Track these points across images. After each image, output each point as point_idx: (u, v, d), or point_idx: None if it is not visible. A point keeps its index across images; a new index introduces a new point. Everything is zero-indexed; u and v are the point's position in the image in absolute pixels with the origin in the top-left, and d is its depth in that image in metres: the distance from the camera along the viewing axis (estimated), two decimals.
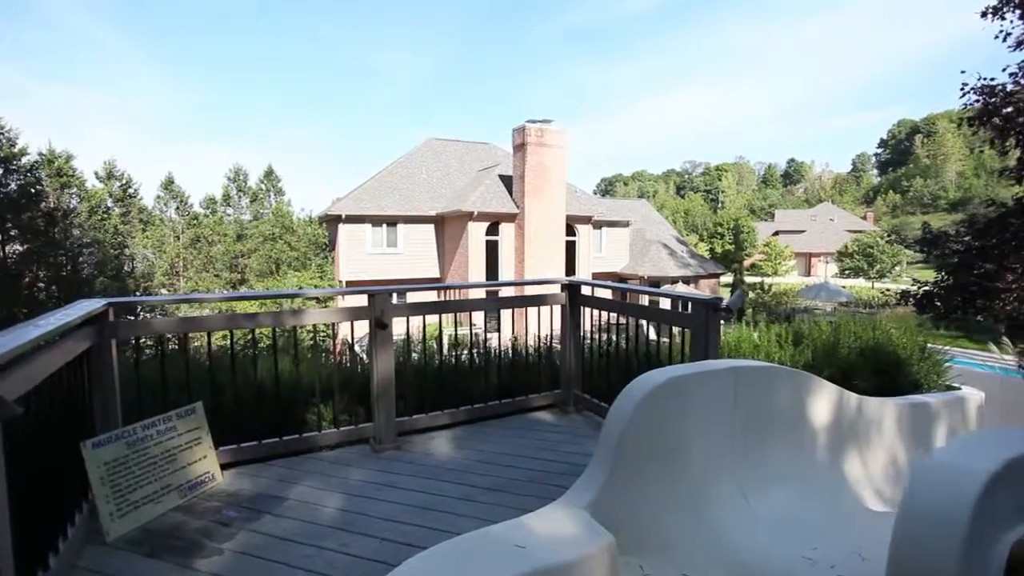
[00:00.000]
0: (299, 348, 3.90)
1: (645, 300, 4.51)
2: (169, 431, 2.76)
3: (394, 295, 3.50)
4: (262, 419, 3.36)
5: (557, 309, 4.31)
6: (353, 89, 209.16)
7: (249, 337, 3.40)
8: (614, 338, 4.24)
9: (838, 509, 2.91)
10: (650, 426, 2.33)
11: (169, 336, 3.70)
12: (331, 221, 23.50)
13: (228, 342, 3.36)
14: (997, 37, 9.43)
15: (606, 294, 4.30)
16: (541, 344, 4.44)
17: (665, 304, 5.83)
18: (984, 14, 9.36)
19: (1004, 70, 8.71)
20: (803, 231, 61.73)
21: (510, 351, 4.61)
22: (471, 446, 3.60)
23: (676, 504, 2.38)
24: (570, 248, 23.65)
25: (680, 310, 3.62)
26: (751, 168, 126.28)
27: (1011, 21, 9.19)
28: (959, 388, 4.84)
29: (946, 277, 10.44)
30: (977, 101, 8.86)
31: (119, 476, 2.46)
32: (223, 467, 3.12)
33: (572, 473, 3.22)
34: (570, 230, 23.59)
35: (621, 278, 28.00)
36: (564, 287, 4.21)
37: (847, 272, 44.60)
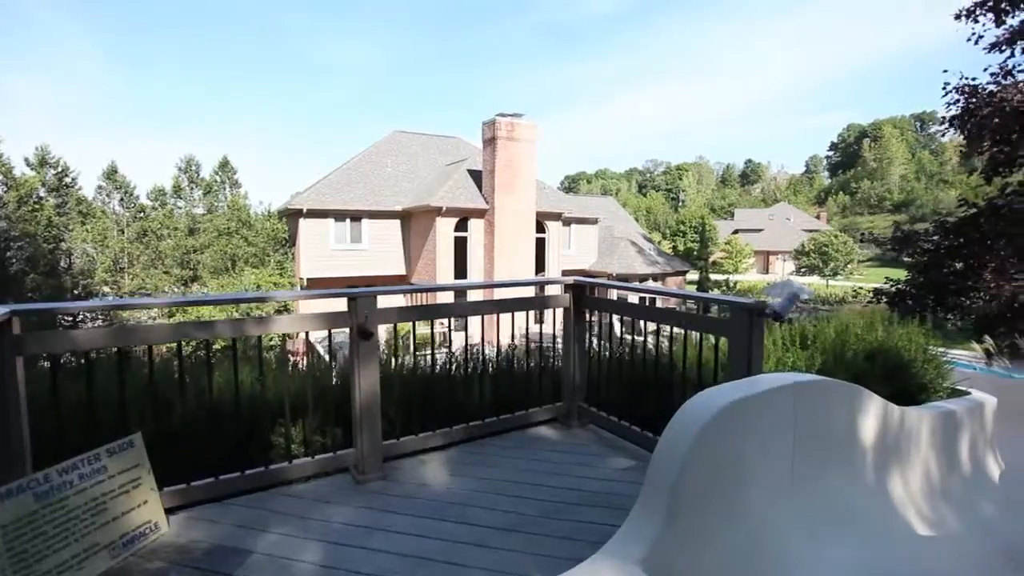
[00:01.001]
0: (264, 357, 3.35)
1: (658, 301, 4.11)
2: (96, 473, 2.17)
3: (379, 298, 2.98)
4: (219, 448, 2.78)
5: (559, 312, 3.86)
6: (312, 82, 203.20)
7: (202, 347, 2.82)
8: (632, 344, 3.84)
9: (895, 542, 2.60)
10: (710, 460, 1.92)
11: (98, 351, 3.04)
12: (291, 215, 22.41)
13: (177, 353, 2.76)
14: (970, 40, 9.55)
15: (620, 295, 3.87)
16: (539, 350, 3.98)
17: (664, 308, 5.45)
18: (958, 16, 9.46)
19: (986, 70, 8.80)
20: (761, 230, 63.49)
21: (505, 358, 4.15)
22: (470, 472, 3.12)
23: (740, 553, 1.98)
24: (540, 245, 23.30)
25: (697, 311, 3.22)
26: (710, 168, 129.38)
27: (983, 24, 9.32)
28: (969, 392, 4.66)
29: (917, 276, 10.57)
30: (957, 101, 8.93)
31: (24, 541, 1.87)
32: (170, 512, 2.53)
33: (592, 504, 2.79)
34: (540, 227, 23.24)
35: (589, 275, 27.89)
36: (568, 288, 3.76)
37: (803, 270, 46.07)
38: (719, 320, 2.93)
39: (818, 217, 74.26)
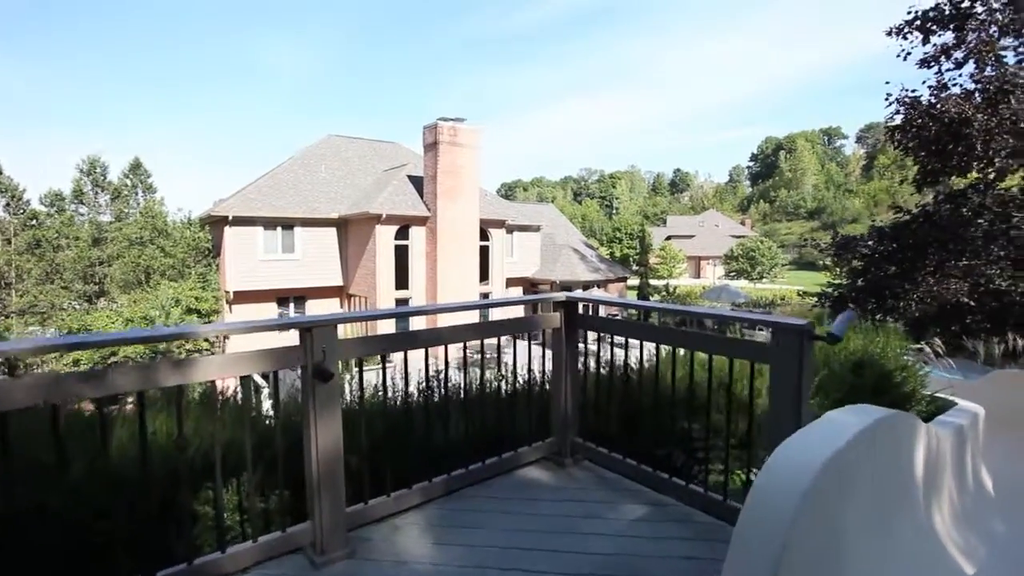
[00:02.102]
0: (184, 400, 2.61)
1: (644, 317, 3.68)
2: None
3: (339, 327, 2.35)
4: (117, 535, 2.04)
5: (548, 333, 3.36)
6: (238, 84, 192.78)
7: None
8: (625, 366, 3.37)
9: None
10: (811, 537, 1.47)
11: None
12: (216, 223, 20.65)
13: (52, 419, 1.99)
14: (899, 56, 10.02)
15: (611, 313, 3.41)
16: (522, 378, 3.46)
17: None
18: (889, 33, 9.90)
19: (924, 83, 9.22)
20: (692, 236, 66.18)
21: (485, 388, 3.58)
22: (455, 537, 2.53)
23: None
24: (483, 253, 22.80)
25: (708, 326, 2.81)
26: (642, 177, 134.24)
27: (911, 41, 9.79)
28: (955, 402, 4.58)
29: (857, 280, 10.96)
30: (898, 112, 9.29)
31: None
32: None
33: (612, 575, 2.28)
34: (483, 234, 22.75)
35: (533, 283, 27.67)
36: (558, 305, 3.26)
37: (732, 274, 48.32)
38: (758, 344, 2.52)
39: (743, 223, 78.45)
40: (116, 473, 2.21)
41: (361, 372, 2.57)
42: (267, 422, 3.28)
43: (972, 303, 8.05)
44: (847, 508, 1.66)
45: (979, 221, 8.65)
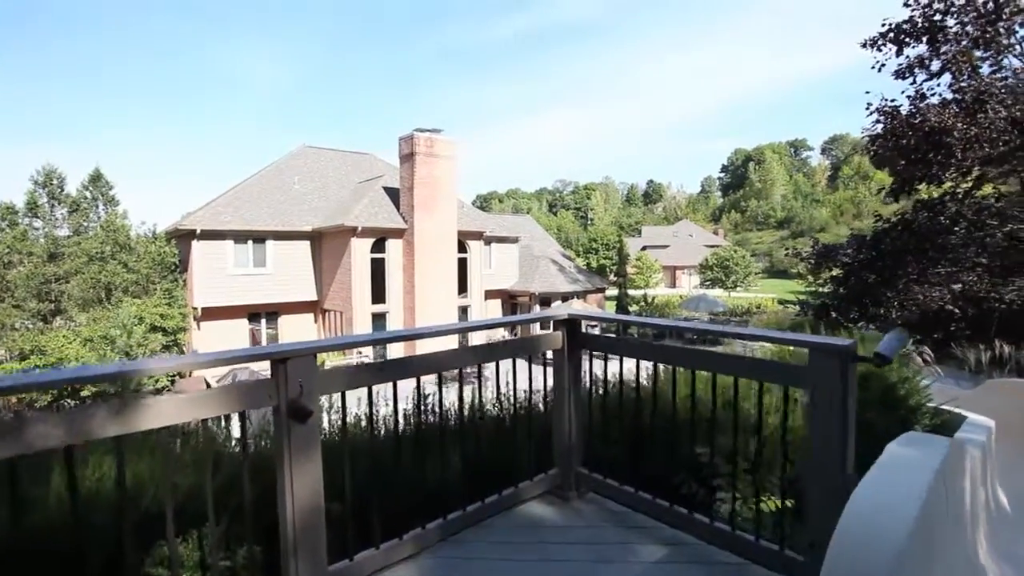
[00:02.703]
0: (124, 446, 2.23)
1: (642, 332, 3.42)
2: None
3: (318, 357, 2.02)
4: None
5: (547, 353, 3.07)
6: (210, 95, 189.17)
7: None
8: (619, 386, 3.10)
9: None
10: None
11: None
12: (183, 237, 19.87)
13: None
14: (874, 67, 10.17)
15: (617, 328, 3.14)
16: (522, 402, 3.15)
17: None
18: (864, 45, 10.05)
19: (903, 93, 9.35)
20: (667, 246, 67.01)
21: (478, 415, 3.27)
22: None
23: None
24: (462, 265, 22.49)
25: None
26: (616, 188, 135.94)
27: (885, 53, 9.95)
28: (964, 415, 4.44)
29: (839, 288, 11.00)
30: (879, 122, 9.38)
31: None
32: None
33: None
34: (461, 246, 22.45)
35: (511, 295, 27.43)
36: (560, 324, 2.98)
37: (707, 283, 48.96)
38: (792, 367, 2.28)
39: (716, 233, 79.88)
40: (43, 536, 1.84)
41: (344, 404, 2.24)
42: (235, 452, 2.91)
43: (956, 310, 8.10)
44: (934, 565, 1.41)
45: (956, 229, 8.76)
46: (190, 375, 19.06)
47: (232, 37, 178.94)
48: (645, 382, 3.33)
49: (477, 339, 22.39)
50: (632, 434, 3.06)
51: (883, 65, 9.96)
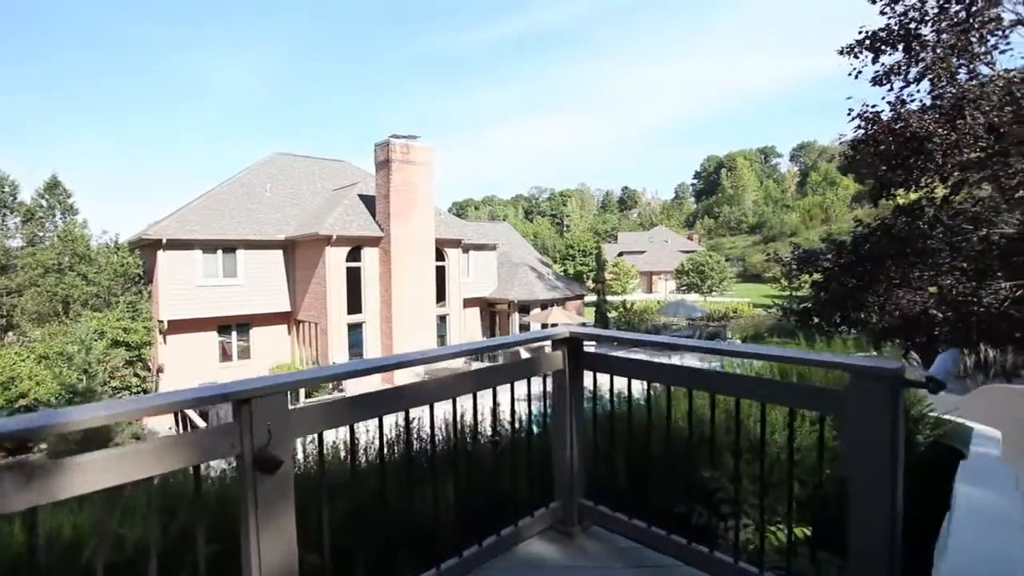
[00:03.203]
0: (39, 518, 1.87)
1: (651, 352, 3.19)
2: None
3: (291, 395, 1.72)
4: None
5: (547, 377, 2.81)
6: (180, 103, 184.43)
7: None
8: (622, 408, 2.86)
9: None
10: None
11: None
12: (148, 247, 19.06)
13: None
14: (851, 74, 10.27)
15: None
16: (520, 424, 2.88)
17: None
18: (841, 52, 10.14)
19: (883, 99, 9.43)
20: (643, 251, 67.63)
21: (477, 439, 2.99)
22: None
23: None
24: (439, 273, 22.13)
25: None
26: (592, 194, 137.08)
27: (862, 60, 10.05)
28: (968, 426, 4.32)
29: (820, 293, 11.04)
30: (860, 127, 9.43)
31: None
32: None
33: None
34: (439, 254, 22.10)
35: (490, 303, 27.15)
36: (560, 344, 2.72)
37: (683, 288, 49.45)
38: (829, 392, 2.05)
39: (691, 238, 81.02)
40: None
41: (321, 443, 1.93)
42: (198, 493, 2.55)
43: (939, 314, 8.15)
44: None
45: (935, 233, 8.85)
46: (156, 390, 18.25)
47: (204, 44, 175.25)
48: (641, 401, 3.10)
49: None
50: (641, 462, 2.82)
51: (859, 72, 10.07)
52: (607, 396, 2.81)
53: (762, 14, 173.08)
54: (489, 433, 3.01)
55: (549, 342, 2.73)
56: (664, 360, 4.31)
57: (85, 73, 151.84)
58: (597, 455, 2.91)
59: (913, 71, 8.99)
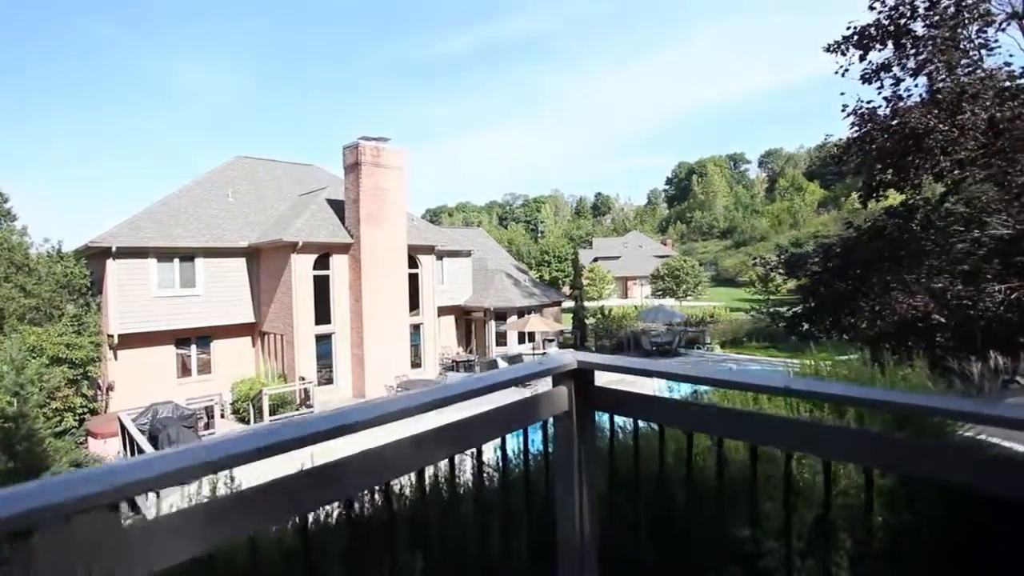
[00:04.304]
0: None
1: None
2: None
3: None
4: None
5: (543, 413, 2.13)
6: (139, 106, 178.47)
7: None
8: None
9: None
10: None
11: None
12: (96, 256, 17.74)
13: None
14: (837, 72, 9.95)
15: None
16: (514, 473, 2.20)
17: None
18: (828, 49, 9.82)
19: (879, 94, 9.08)
20: (618, 257, 67.81)
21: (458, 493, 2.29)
22: None
23: None
24: (412, 281, 21.29)
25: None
26: (565, 200, 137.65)
27: (849, 58, 9.75)
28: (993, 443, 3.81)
29: (807, 298, 10.67)
30: (855, 125, 9.08)
31: None
32: None
33: None
34: (412, 261, 21.27)
35: (466, 311, 26.39)
36: (564, 378, 2.05)
37: (658, 293, 49.53)
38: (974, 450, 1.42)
39: (664, 243, 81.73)
40: None
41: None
42: None
43: (942, 319, 7.80)
44: None
45: (931, 234, 8.54)
46: (106, 410, 16.90)
47: (165, 46, 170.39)
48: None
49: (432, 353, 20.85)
50: (667, 522, 2.17)
51: (847, 70, 9.77)
52: (616, 435, 2.15)
53: (731, 25, 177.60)
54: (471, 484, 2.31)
55: (549, 377, 2.05)
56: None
57: (43, 74, 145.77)
58: (611, 509, 2.26)
59: (910, 64, 8.68)
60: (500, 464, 2.03)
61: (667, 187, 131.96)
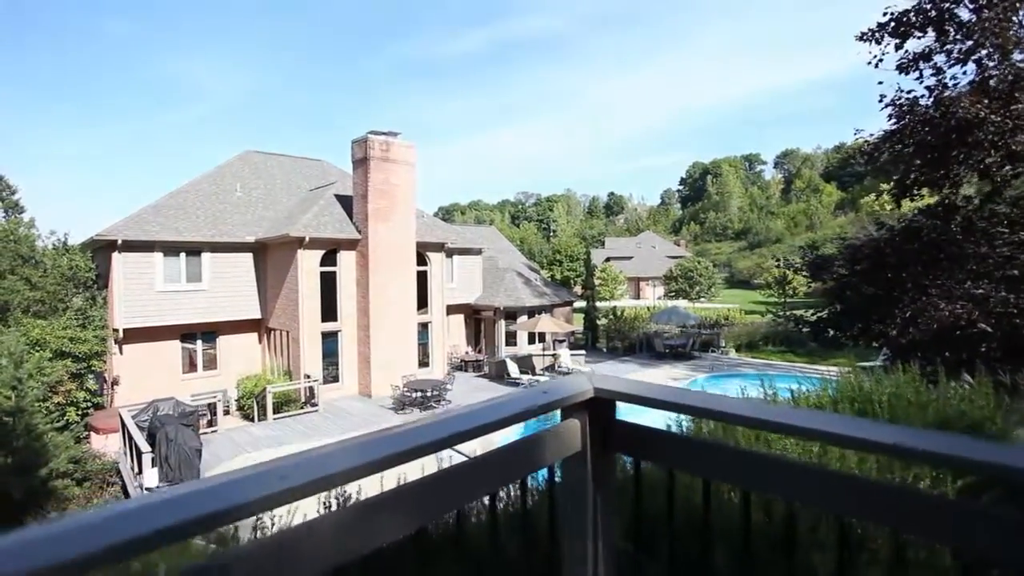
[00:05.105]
0: None
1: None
2: None
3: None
4: None
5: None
6: (155, 103, 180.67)
7: None
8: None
9: None
10: None
11: None
12: (102, 249, 17.58)
13: None
14: (870, 62, 9.33)
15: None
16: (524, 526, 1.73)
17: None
18: (862, 37, 9.20)
19: (921, 83, 8.46)
20: (631, 257, 67.00)
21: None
22: None
23: None
24: (421, 279, 20.90)
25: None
26: (578, 200, 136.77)
27: (884, 47, 9.12)
28: None
29: (833, 303, 10.07)
30: (892, 117, 8.46)
31: None
32: None
33: None
34: (420, 258, 20.88)
35: (476, 310, 25.97)
36: (577, 409, 1.57)
37: (671, 294, 48.74)
38: None
39: (678, 244, 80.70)
40: None
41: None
42: None
43: (988, 328, 7.17)
44: None
45: (974, 236, 7.92)
46: (111, 405, 16.72)
47: (181, 44, 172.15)
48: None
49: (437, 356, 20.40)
50: None
51: (880, 59, 9.13)
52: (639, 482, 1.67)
53: (745, 24, 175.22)
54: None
55: (559, 411, 1.58)
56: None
57: (62, 72, 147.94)
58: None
59: (957, 51, 8.01)
60: (491, 519, 1.57)
61: (681, 187, 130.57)
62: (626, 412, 1.60)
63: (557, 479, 1.64)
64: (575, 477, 1.56)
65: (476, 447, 1.57)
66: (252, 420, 16.15)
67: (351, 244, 18.87)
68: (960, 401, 3.49)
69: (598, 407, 1.56)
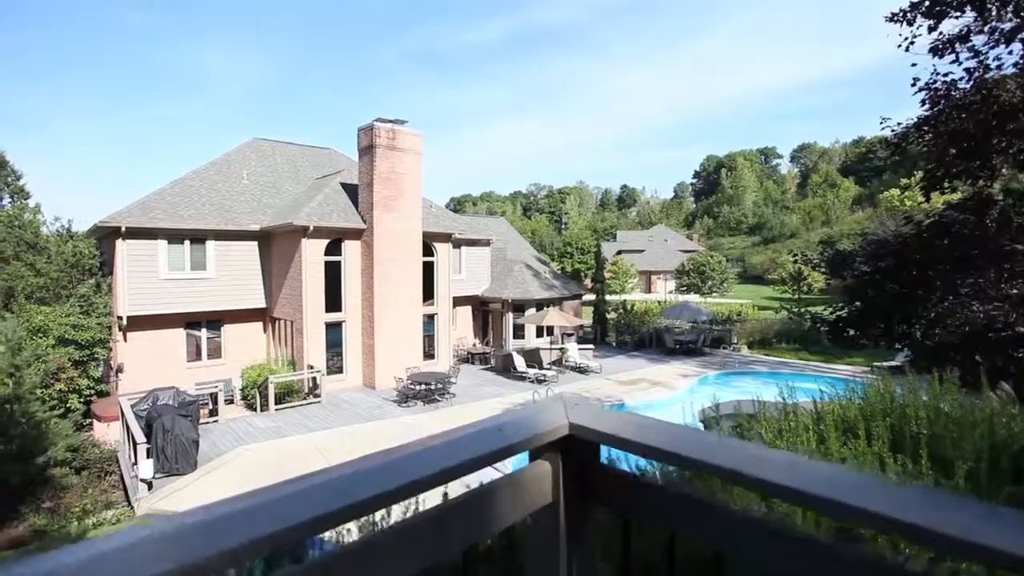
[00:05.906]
0: None
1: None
2: None
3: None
4: None
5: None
6: (166, 92, 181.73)
7: None
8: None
9: None
10: None
11: None
12: (106, 237, 17.47)
13: None
14: (900, 45, 8.75)
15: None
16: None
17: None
18: (892, 18, 8.62)
19: (959, 64, 7.87)
20: (642, 251, 66.21)
21: None
22: None
23: None
24: (427, 269, 20.59)
25: None
26: (590, 192, 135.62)
27: (916, 28, 8.53)
28: None
29: (852, 302, 9.56)
30: (925, 103, 7.91)
31: None
32: None
33: None
34: (427, 249, 20.55)
35: (483, 302, 25.63)
36: (548, 449, 1.18)
37: (683, 288, 48.05)
38: None
39: (690, 238, 79.65)
40: None
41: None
42: None
43: None
44: None
45: (1007, 233, 7.38)
46: (116, 392, 16.66)
47: (194, 32, 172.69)
48: None
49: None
50: None
51: (912, 42, 8.55)
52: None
53: (762, 16, 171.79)
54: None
55: (526, 453, 1.20)
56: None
57: (72, 60, 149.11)
58: None
59: (1002, 28, 7.42)
60: None
61: (694, 181, 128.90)
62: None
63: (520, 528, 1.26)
64: (544, 530, 1.18)
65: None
66: (256, 410, 16.00)
67: (356, 233, 18.59)
68: (1010, 420, 3.05)
69: (575, 446, 1.17)
